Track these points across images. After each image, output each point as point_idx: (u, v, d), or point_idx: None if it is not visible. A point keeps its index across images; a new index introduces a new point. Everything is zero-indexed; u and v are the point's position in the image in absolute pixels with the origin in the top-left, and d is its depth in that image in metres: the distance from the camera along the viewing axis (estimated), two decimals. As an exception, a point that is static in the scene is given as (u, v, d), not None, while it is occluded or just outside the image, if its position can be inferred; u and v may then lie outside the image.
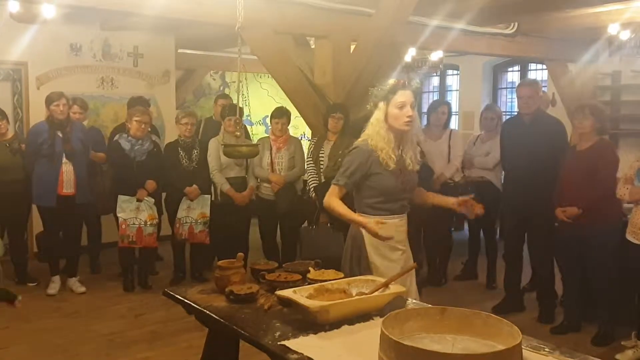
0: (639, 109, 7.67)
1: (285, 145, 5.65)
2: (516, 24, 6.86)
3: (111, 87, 7.17)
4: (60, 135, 5.24)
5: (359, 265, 3.02)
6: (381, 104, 3.01)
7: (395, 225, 3.04)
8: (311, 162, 5.52)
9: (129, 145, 5.42)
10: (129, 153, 5.42)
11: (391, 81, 3.04)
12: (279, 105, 6.21)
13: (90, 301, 5.27)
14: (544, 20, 6.59)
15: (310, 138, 6.43)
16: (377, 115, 3.03)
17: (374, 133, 3.01)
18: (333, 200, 3.05)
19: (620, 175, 4.21)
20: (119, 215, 5.42)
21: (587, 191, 4.22)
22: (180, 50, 8.16)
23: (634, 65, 7.60)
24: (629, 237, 4.09)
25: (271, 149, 5.63)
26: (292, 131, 6.23)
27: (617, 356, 4.07)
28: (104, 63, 7.10)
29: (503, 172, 5.47)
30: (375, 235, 2.88)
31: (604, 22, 6.16)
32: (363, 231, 3.01)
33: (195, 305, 2.57)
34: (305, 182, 5.84)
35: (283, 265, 2.99)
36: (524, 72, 9.56)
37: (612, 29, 6.17)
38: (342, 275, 2.66)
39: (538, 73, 9.31)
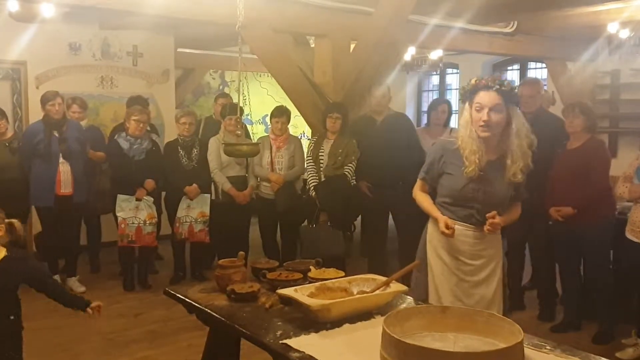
0: (638, 108, 7.67)
1: (285, 144, 5.64)
2: (515, 22, 6.86)
3: (110, 87, 7.16)
4: (57, 135, 5.23)
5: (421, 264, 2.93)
6: (466, 105, 2.78)
7: (461, 234, 2.83)
8: (311, 161, 5.51)
9: (128, 144, 5.42)
10: (128, 152, 5.41)
11: (472, 80, 2.74)
12: (279, 104, 6.20)
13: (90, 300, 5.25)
14: (544, 19, 6.59)
15: (310, 137, 6.43)
16: (465, 117, 2.78)
17: (465, 135, 2.76)
18: (417, 192, 3.05)
19: (620, 174, 4.21)
20: (118, 214, 5.41)
21: (580, 190, 4.22)
22: (179, 50, 8.14)
23: (633, 64, 7.60)
24: (628, 235, 4.08)
25: (271, 148, 5.62)
26: (291, 130, 6.22)
27: (618, 354, 4.06)
28: (103, 62, 7.09)
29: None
30: (441, 229, 2.79)
31: (603, 20, 6.16)
32: (428, 230, 3.00)
33: (196, 304, 2.57)
34: (305, 181, 5.84)
35: (284, 264, 2.98)
36: (523, 71, 9.55)
37: (612, 28, 6.16)
38: (343, 274, 2.66)
39: (537, 72, 9.30)
